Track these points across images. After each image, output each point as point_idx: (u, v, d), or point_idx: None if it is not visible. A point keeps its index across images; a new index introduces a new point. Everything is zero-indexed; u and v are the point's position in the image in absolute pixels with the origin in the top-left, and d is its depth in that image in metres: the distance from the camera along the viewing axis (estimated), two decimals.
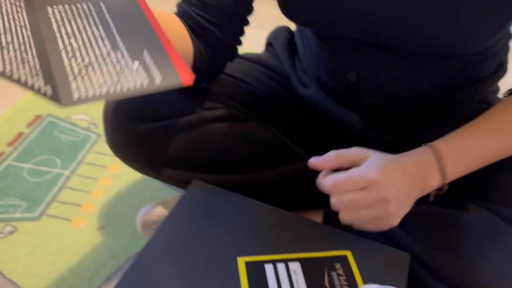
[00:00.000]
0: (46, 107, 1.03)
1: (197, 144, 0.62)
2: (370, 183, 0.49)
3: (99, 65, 0.33)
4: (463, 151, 0.52)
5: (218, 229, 0.55)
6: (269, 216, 0.58)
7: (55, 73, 0.32)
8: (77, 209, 0.80)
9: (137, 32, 0.36)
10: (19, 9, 0.36)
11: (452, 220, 0.60)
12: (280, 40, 0.78)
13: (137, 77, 0.33)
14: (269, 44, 0.82)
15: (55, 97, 0.31)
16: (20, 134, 0.95)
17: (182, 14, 0.57)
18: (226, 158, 0.64)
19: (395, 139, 0.62)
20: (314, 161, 0.54)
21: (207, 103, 0.63)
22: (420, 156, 0.52)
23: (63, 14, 0.38)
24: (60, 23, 0.37)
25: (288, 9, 0.58)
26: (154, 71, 0.33)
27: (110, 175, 0.88)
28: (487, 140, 0.53)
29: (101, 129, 0.99)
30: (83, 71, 0.33)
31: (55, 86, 0.32)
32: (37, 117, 1.00)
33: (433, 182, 0.52)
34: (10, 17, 0.34)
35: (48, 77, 0.32)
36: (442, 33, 0.51)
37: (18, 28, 0.34)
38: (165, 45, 0.35)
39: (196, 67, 0.58)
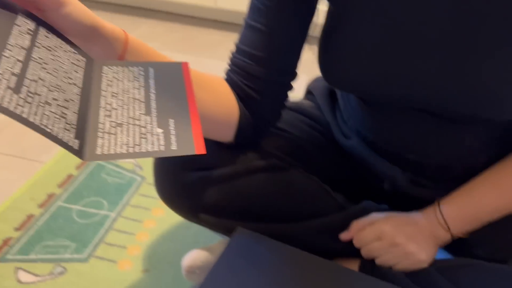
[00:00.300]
0: None
1: (241, 194, 0.64)
2: (381, 234, 0.62)
3: (128, 126, 0.36)
4: (467, 212, 0.59)
5: (263, 279, 0.56)
6: (311, 266, 0.60)
7: (88, 128, 0.35)
8: (122, 251, 0.83)
9: (171, 100, 0.39)
10: (77, 68, 0.39)
11: (499, 273, 0.60)
12: (320, 90, 0.80)
13: (156, 142, 0.35)
14: (308, 92, 0.85)
15: (79, 152, 0.33)
16: (69, 176, 1.00)
17: (229, 81, 0.61)
18: (269, 207, 0.66)
19: (438, 194, 0.63)
20: (345, 237, 0.66)
21: (251, 154, 0.66)
22: (427, 214, 0.62)
23: (115, 74, 0.41)
24: (110, 82, 0.40)
25: (330, 78, 0.61)
26: (173, 139, 0.36)
27: (153, 218, 0.91)
28: (491, 198, 0.58)
29: (145, 172, 1.03)
30: (112, 130, 0.36)
31: (83, 141, 0.34)
32: None
33: (443, 237, 0.60)
34: (65, 75, 0.37)
35: (80, 132, 0.34)
36: (484, 103, 0.52)
37: (69, 86, 0.37)
38: (192, 115, 0.38)
39: (241, 129, 0.60)
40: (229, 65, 0.62)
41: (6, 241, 0.83)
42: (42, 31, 0.38)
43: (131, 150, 0.34)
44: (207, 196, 0.64)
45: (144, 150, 0.34)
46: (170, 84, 0.41)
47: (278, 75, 0.60)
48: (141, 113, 0.37)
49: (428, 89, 0.54)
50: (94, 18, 0.43)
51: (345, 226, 0.66)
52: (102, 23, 0.44)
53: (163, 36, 1.74)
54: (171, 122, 0.37)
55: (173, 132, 0.36)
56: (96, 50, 0.44)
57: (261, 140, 0.66)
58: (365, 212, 0.67)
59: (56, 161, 1.04)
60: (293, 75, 0.62)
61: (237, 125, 0.60)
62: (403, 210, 0.68)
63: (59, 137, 0.32)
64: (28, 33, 0.37)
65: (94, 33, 0.43)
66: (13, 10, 0.37)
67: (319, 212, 0.67)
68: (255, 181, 0.64)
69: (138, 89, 0.40)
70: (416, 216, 0.63)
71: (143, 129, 0.36)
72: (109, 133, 0.35)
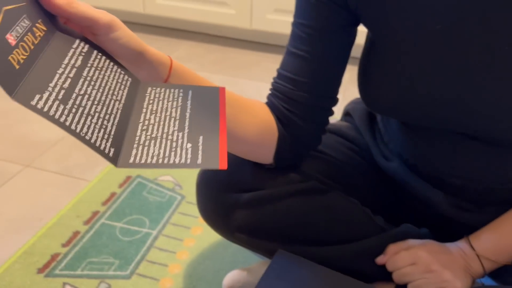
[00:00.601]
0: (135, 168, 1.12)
1: (281, 216, 0.65)
2: (417, 259, 0.62)
3: (161, 140, 0.39)
4: (498, 247, 0.60)
5: None
6: None
7: (125, 139, 0.39)
8: (164, 269, 0.85)
9: (204, 120, 0.42)
10: (122, 86, 0.44)
11: None
12: (359, 112, 0.80)
13: (184, 155, 0.38)
14: (346, 114, 0.85)
15: (114, 159, 0.37)
16: (113, 194, 1.03)
17: (270, 105, 0.62)
18: (308, 230, 0.66)
19: (482, 218, 0.62)
20: (381, 260, 0.66)
21: (291, 176, 0.67)
22: (460, 246, 0.62)
23: (157, 94, 0.45)
24: (151, 101, 0.44)
25: (370, 103, 0.62)
26: (200, 154, 0.38)
27: (193, 236, 0.93)
28: None
29: (185, 191, 1.06)
30: (146, 142, 0.39)
31: (118, 150, 0.38)
32: (128, 178, 1.09)
33: (477, 269, 0.61)
34: (110, 92, 0.42)
35: (116, 142, 0.38)
36: None
37: (113, 101, 0.41)
38: (221, 134, 0.41)
39: (280, 152, 0.62)
40: (271, 90, 0.64)
41: (54, 257, 0.87)
42: (94, 53, 0.43)
43: (160, 161, 0.37)
44: (248, 217, 0.65)
45: (171, 162, 0.37)
46: (206, 105, 0.45)
47: (318, 100, 0.61)
48: (174, 129, 0.41)
49: (470, 113, 0.54)
50: (141, 43, 0.47)
51: (383, 249, 0.66)
52: (149, 48, 0.48)
53: (201, 57, 1.79)
54: (201, 138, 0.40)
55: (200, 147, 0.39)
56: (143, 73, 0.48)
57: (301, 162, 0.67)
58: (404, 236, 0.67)
59: (100, 179, 1.08)
60: (333, 100, 0.63)
61: (276, 147, 0.62)
62: (445, 235, 0.67)
63: (96, 144, 0.36)
64: (81, 55, 0.42)
65: (141, 57, 0.47)
66: (72, 35, 0.43)
67: (358, 235, 0.67)
68: (295, 203, 0.65)
69: (175, 108, 0.43)
70: (450, 246, 0.63)
71: (174, 143, 0.39)
72: (143, 145, 0.39)
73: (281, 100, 0.61)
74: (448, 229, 0.67)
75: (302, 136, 0.63)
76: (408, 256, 0.63)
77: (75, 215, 0.97)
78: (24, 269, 0.84)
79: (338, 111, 0.86)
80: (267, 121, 0.61)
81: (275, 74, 0.64)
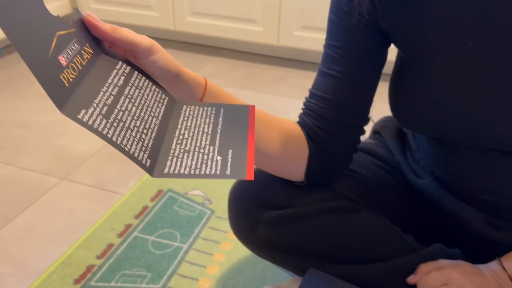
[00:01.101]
0: (166, 182, 1.15)
1: (312, 234, 0.66)
2: (449, 279, 0.61)
3: (193, 153, 0.43)
4: None
5: None
6: None
7: (160, 152, 0.42)
8: (195, 283, 0.87)
9: (234, 135, 0.45)
10: (159, 104, 0.47)
11: None
12: (389, 130, 0.81)
13: (214, 167, 0.41)
14: (375, 132, 0.86)
15: (150, 169, 0.40)
16: (145, 208, 1.06)
17: (301, 123, 0.64)
18: (339, 249, 0.67)
19: None
20: (412, 280, 0.65)
21: (322, 194, 0.68)
22: (493, 268, 0.61)
23: (191, 112, 0.48)
24: (186, 118, 0.48)
25: (401, 120, 0.63)
26: (229, 166, 0.41)
27: (223, 251, 0.94)
28: None
29: (214, 205, 1.08)
30: (180, 155, 0.42)
31: (154, 161, 0.41)
32: (159, 192, 1.11)
33: None
34: (149, 109, 0.45)
35: (153, 154, 0.41)
36: None
37: (150, 117, 0.44)
38: (249, 148, 0.43)
39: (310, 170, 0.63)
40: (302, 109, 0.65)
41: (89, 268, 0.90)
42: (135, 74, 0.48)
43: (192, 171, 0.41)
44: (279, 235, 0.67)
45: (203, 173, 0.41)
46: (236, 122, 0.48)
47: (350, 118, 0.62)
48: (206, 143, 0.44)
49: (502, 129, 0.54)
50: (178, 66, 0.51)
51: (414, 269, 0.66)
52: (185, 70, 0.52)
53: (228, 73, 1.83)
54: (230, 152, 0.43)
55: (230, 160, 0.42)
56: (180, 93, 0.52)
57: (332, 181, 0.68)
58: (435, 256, 0.67)
59: (132, 193, 1.11)
60: (365, 118, 0.64)
61: (307, 165, 0.63)
62: (477, 255, 0.66)
63: (135, 155, 0.40)
64: (123, 75, 0.46)
65: (178, 78, 0.51)
66: (116, 57, 0.47)
67: (389, 254, 0.67)
68: (326, 221, 0.66)
69: (208, 124, 0.47)
70: (482, 268, 0.62)
71: (205, 156, 0.42)
72: (177, 157, 0.42)
73: (313, 118, 0.63)
74: (480, 248, 0.67)
75: (333, 154, 0.64)
76: (439, 277, 0.63)
77: (109, 228, 1.00)
78: (62, 279, 0.87)
79: (366, 128, 0.87)
80: (296, 138, 0.62)
81: (301, 89, 0.66)
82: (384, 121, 0.84)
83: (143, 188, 1.13)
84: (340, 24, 0.59)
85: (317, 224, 0.66)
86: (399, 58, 0.62)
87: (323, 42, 0.63)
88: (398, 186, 0.75)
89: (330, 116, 0.61)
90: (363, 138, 0.70)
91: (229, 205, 0.71)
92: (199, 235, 0.98)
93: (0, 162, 1.25)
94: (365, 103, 0.63)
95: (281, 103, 1.57)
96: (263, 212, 0.67)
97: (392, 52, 0.62)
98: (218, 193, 1.11)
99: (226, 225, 1.02)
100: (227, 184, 1.14)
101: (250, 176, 0.40)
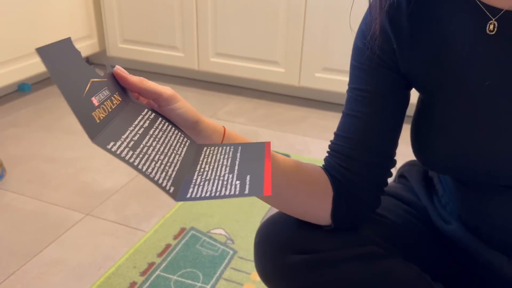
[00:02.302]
0: (189, 220, 1.16)
1: (339, 280, 0.65)
2: None
3: (213, 181, 0.46)
4: None
5: None
6: None
7: (184, 182, 0.46)
8: None
9: (251, 164, 0.49)
10: (182, 145, 0.52)
11: None
12: (415, 174, 0.81)
13: (233, 189, 0.44)
14: (400, 176, 0.86)
15: (173, 195, 0.44)
16: (168, 246, 1.07)
17: (327, 166, 0.65)
18: None
19: None
20: None
21: (350, 239, 0.67)
22: None
23: (212, 151, 0.53)
24: (207, 156, 0.52)
25: (423, 160, 0.63)
26: (247, 186, 0.44)
27: None
28: None
29: (237, 245, 1.07)
30: (201, 183, 0.46)
31: (177, 189, 0.45)
32: (182, 230, 1.12)
33: None
34: (172, 147, 0.50)
35: (176, 182, 0.45)
36: None
37: (173, 154, 0.49)
38: (266, 174, 0.46)
39: (336, 213, 0.63)
40: (328, 152, 0.66)
41: None
42: (159, 119, 0.53)
43: (213, 194, 0.44)
44: (305, 280, 0.66)
45: (223, 194, 0.44)
46: (253, 154, 0.52)
47: (376, 158, 0.63)
48: (225, 172, 0.48)
49: None
50: (197, 114, 0.55)
51: None
52: (204, 119, 0.56)
53: (250, 112, 1.86)
54: (248, 176, 0.46)
55: (248, 182, 0.45)
56: (200, 140, 0.56)
57: (360, 224, 0.68)
58: None
59: (155, 230, 1.12)
60: (390, 160, 0.65)
61: (332, 208, 0.63)
62: None
63: (159, 182, 0.43)
64: (148, 119, 0.51)
65: (197, 125, 0.55)
66: (141, 106, 0.53)
67: None
68: (354, 268, 0.65)
69: (227, 159, 0.51)
70: None
71: (225, 182, 0.46)
72: (199, 185, 0.46)
73: (338, 158, 0.64)
74: None
75: (359, 195, 0.64)
76: None
77: (132, 266, 1.01)
78: None
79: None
80: (320, 181, 0.63)
81: (322, 129, 0.67)
82: (409, 165, 0.84)
83: (166, 226, 1.13)
84: (362, 68, 0.61)
85: (345, 270, 0.65)
86: (420, 100, 0.63)
87: (344, 83, 0.65)
88: (426, 231, 0.74)
89: (355, 155, 0.62)
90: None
91: (255, 248, 0.71)
92: (221, 276, 0.98)
93: (26, 196, 1.28)
94: (390, 143, 0.64)
95: (302, 142, 1.58)
96: (289, 256, 0.67)
97: (414, 94, 0.63)
98: (240, 233, 1.11)
99: (248, 266, 1.01)
100: (249, 223, 1.14)
101: (268, 192, 0.43)
